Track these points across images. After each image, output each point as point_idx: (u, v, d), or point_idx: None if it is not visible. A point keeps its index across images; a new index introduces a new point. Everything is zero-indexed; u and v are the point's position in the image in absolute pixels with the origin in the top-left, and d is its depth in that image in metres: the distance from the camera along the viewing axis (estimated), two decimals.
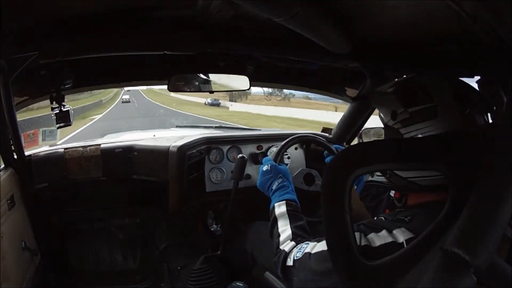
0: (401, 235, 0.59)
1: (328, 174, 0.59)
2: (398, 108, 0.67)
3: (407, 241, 0.58)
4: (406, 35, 0.82)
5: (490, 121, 0.68)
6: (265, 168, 1.00)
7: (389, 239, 0.59)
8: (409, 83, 0.70)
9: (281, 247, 0.80)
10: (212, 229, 1.58)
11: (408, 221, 0.62)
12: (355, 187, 1.11)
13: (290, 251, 0.76)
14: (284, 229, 0.83)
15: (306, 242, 0.75)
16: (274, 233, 0.85)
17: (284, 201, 0.89)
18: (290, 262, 0.74)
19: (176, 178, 1.40)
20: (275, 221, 0.86)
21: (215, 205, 1.57)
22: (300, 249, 0.73)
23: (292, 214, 0.86)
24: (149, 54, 1.08)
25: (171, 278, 1.55)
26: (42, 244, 1.28)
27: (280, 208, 0.88)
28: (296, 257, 0.72)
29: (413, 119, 0.65)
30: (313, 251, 0.69)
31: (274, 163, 1.01)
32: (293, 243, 0.78)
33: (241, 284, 1.22)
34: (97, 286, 1.55)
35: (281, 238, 0.81)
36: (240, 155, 1.34)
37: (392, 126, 0.69)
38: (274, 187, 0.94)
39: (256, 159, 1.53)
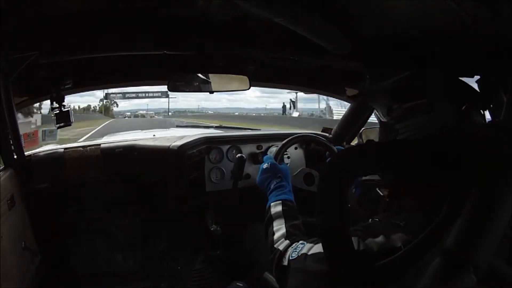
0: (398, 240, 0.58)
1: (325, 176, 0.58)
2: (393, 103, 0.67)
3: (405, 244, 0.56)
4: (406, 35, 0.82)
5: (488, 119, 0.68)
6: (265, 166, 1.00)
7: (387, 245, 0.58)
8: (406, 80, 0.70)
9: (276, 245, 0.78)
10: (212, 229, 1.59)
11: (403, 226, 0.60)
12: (354, 190, 1.10)
13: (285, 250, 0.75)
14: (279, 227, 0.82)
15: (302, 242, 0.73)
16: (269, 232, 0.84)
17: (281, 201, 0.88)
18: (285, 262, 0.73)
19: (176, 178, 1.40)
20: (270, 220, 0.86)
21: (215, 205, 1.57)
22: (295, 249, 0.72)
23: (287, 214, 0.85)
24: (148, 54, 1.08)
25: (171, 278, 1.55)
26: (42, 244, 1.28)
27: (276, 208, 0.87)
28: (292, 257, 0.71)
29: (407, 114, 0.64)
30: (309, 253, 0.67)
31: (274, 162, 1.01)
32: (287, 241, 0.77)
33: (241, 284, 1.22)
34: (97, 286, 1.55)
35: (275, 237, 0.80)
36: (239, 154, 1.34)
37: (388, 122, 0.68)
38: (272, 186, 0.94)
39: (256, 159, 1.53)
